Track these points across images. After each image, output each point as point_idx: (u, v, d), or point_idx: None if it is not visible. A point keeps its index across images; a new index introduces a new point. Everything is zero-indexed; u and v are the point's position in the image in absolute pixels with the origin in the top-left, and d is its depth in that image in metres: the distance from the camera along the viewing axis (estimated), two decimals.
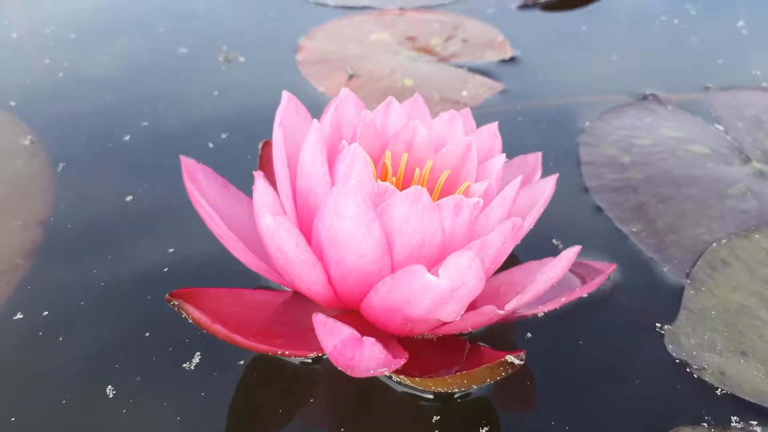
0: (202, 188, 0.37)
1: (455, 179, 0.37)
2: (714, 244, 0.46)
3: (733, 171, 0.53)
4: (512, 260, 0.41)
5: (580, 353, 0.39)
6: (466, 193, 0.35)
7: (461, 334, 0.37)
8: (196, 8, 0.77)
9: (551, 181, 0.37)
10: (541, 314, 0.39)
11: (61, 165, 0.52)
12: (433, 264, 0.31)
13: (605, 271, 0.37)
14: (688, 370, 0.38)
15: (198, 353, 0.38)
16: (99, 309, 0.41)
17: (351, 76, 0.63)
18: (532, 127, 0.59)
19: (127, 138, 0.55)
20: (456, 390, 0.34)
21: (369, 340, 0.29)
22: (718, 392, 0.37)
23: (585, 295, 0.40)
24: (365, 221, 0.29)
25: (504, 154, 0.36)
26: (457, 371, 0.33)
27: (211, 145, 0.55)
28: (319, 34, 0.71)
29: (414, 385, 0.34)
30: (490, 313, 0.31)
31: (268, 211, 0.31)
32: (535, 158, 0.41)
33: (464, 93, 0.62)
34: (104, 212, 0.48)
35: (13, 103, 0.59)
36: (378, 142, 0.38)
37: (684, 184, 0.51)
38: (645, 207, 0.49)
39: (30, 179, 0.50)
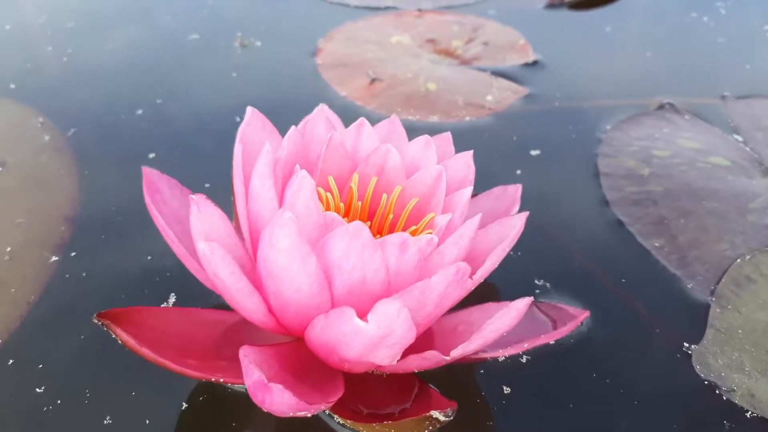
0: (166, 200, 0.36)
1: (425, 207, 0.36)
2: (738, 261, 0.46)
3: (754, 184, 0.53)
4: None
5: (608, 374, 0.39)
6: (430, 225, 0.34)
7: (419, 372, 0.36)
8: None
9: (521, 218, 0.35)
10: (501, 358, 0.38)
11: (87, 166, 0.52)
12: (375, 301, 0.29)
13: (578, 318, 0.36)
14: (717, 391, 0.38)
15: None
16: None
17: (373, 80, 0.63)
18: (555, 133, 0.59)
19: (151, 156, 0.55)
20: None
21: (277, 387, 0.28)
22: (747, 415, 0.37)
23: (551, 342, 0.38)
24: (299, 255, 0.29)
25: (470, 188, 0.35)
26: (402, 411, 0.32)
27: None
28: (337, 36, 0.71)
29: (345, 425, 0.33)
30: (434, 358, 0.30)
31: (201, 237, 0.30)
32: (515, 190, 0.39)
33: (489, 98, 0.62)
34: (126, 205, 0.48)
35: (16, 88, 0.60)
36: (347, 164, 0.37)
37: (705, 197, 0.51)
38: (666, 221, 0.49)
39: (54, 175, 0.51)
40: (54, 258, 0.44)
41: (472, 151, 0.37)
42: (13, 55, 0.67)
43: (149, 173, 0.36)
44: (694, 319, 0.42)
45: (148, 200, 0.34)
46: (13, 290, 0.41)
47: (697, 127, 0.60)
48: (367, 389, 0.34)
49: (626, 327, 0.42)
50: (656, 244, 0.47)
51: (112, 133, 0.56)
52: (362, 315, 0.28)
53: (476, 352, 0.33)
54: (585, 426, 0.36)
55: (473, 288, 0.33)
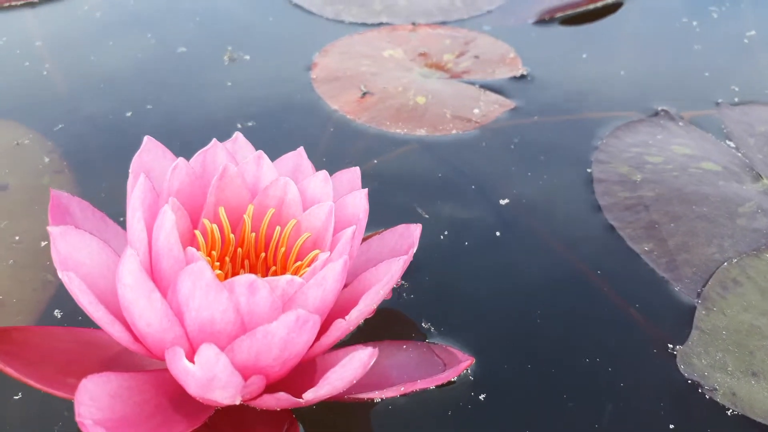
0: (77, 222, 0.36)
1: (319, 243, 0.36)
2: (725, 264, 0.46)
3: (744, 189, 0.53)
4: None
5: (592, 372, 0.40)
6: (314, 261, 0.34)
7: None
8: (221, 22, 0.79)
9: (398, 262, 0.34)
10: (378, 400, 0.37)
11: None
12: (233, 340, 0.30)
13: (460, 365, 0.35)
14: (699, 390, 0.39)
15: None
16: None
17: (364, 94, 0.64)
18: (543, 145, 0.60)
19: None
20: None
21: (88, 423, 0.27)
22: (729, 413, 0.37)
23: (432, 387, 0.38)
24: (143, 291, 0.29)
25: (354, 227, 0.34)
26: None
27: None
28: (332, 50, 0.72)
29: None
30: (287, 400, 0.30)
31: (61, 268, 0.30)
32: (415, 229, 0.38)
33: (476, 111, 0.63)
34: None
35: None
36: (246, 196, 0.37)
37: (695, 202, 0.52)
38: (657, 226, 0.50)
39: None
40: (54, 279, 0.44)
41: (366, 189, 0.37)
42: (8, 76, 0.68)
43: (57, 195, 0.36)
44: (680, 320, 0.43)
45: (51, 223, 0.34)
46: (12, 313, 0.42)
47: (690, 133, 0.60)
48: (241, 421, 0.34)
49: (613, 327, 0.43)
50: (646, 248, 0.48)
51: (109, 153, 0.57)
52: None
53: (348, 392, 0.33)
54: (568, 421, 0.37)
55: (353, 327, 0.33)
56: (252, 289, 0.29)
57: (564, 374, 0.40)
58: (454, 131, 0.60)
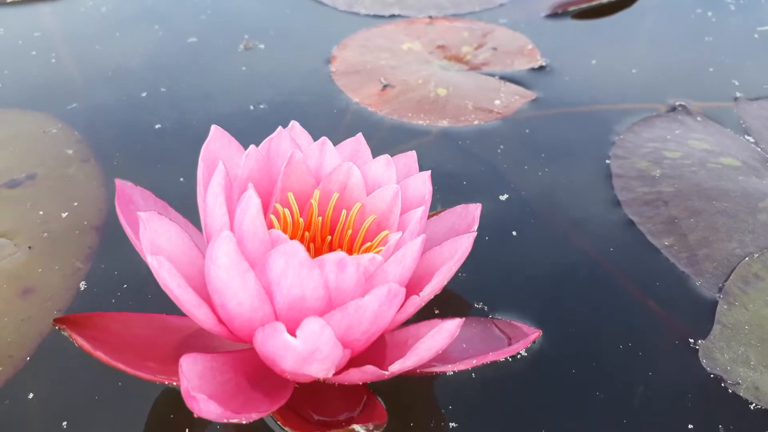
0: (140, 210, 0.37)
1: (384, 224, 0.37)
2: (746, 259, 0.46)
3: (765, 184, 0.53)
4: None
5: (615, 368, 0.40)
6: (384, 242, 0.35)
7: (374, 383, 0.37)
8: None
9: (469, 238, 0.35)
10: (450, 372, 0.39)
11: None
12: (321, 315, 0.30)
13: (529, 337, 0.36)
14: (722, 384, 0.39)
15: None
16: None
17: (385, 87, 0.65)
18: (564, 136, 0.60)
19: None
20: None
21: (201, 397, 0.28)
22: (752, 407, 0.38)
23: (502, 359, 0.40)
24: (239, 271, 0.30)
25: (423, 207, 0.36)
26: (349, 419, 0.33)
27: None
28: (351, 44, 0.72)
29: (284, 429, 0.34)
30: (374, 373, 0.31)
31: (149, 252, 0.31)
32: (475, 208, 0.39)
33: (497, 102, 0.63)
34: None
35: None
36: (311, 181, 0.38)
37: (715, 197, 0.52)
38: (677, 221, 0.50)
39: (82, 186, 0.53)
40: (83, 266, 0.45)
41: (429, 171, 0.38)
42: (31, 68, 0.69)
43: (123, 185, 0.37)
44: (702, 315, 0.43)
45: (119, 213, 0.35)
46: (44, 299, 0.43)
47: (708, 128, 0.60)
48: (318, 398, 0.35)
49: (634, 321, 0.43)
50: (666, 243, 0.48)
51: (134, 144, 0.58)
52: None
53: (423, 366, 0.34)
54: (594, 411, 0.38)
55: (424, 303, 0.34)
56: (341, 266, 0.30)
57: (587, 368, 0.40)
58: (476, 122, 0.61)
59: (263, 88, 0.66)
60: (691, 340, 0.41)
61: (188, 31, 0.75)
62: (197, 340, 0.36)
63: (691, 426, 0.37)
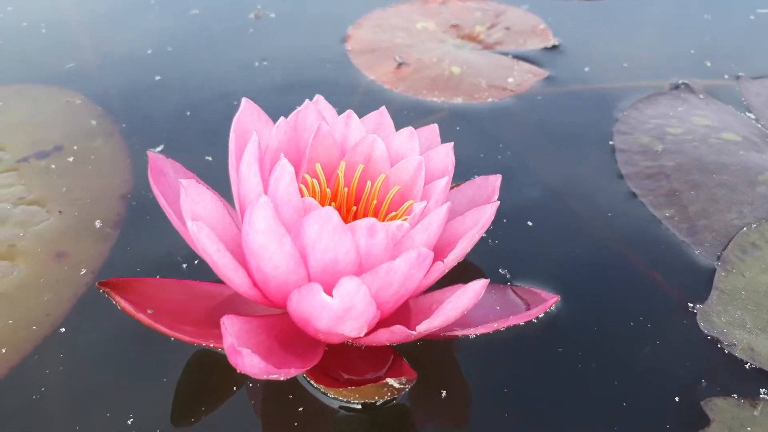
0: (170, 182, 0.38)
1: (407, 194, 0.38)
2: (744, 229, 0.48)
3: (764, 158, 0.55)
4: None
5: (616, 331, 0.42)
6: (409, 211, 0.37)
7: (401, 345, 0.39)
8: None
9: (492, 207, 0.36)
10: (472, 336, 0.40)
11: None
12: None
13: (547, 302, 0.38)
14: (719, 346, 0.41)
15: None
16: None
17: (400, 65, 0.67)
18: (574, 112, 0.62)
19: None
20: (357, 401, 0.36)
21: (246, 351, 0.30)
22: (747, 366, 0.40)
23: (522, 323, 0.41)
24: (276, 236, 0.31)
25: (447, 177, 0.37)
26: (377, 378, 0.35)
27: None
28: (366, 23, 0.75)
29: (317, 387, 0.36)
30: (402, 333, 0.32)
31: (189, 217, 0.32)
32: (495, 180, 0.40)
33: (510, 80, 0.65)
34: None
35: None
36: (336, 153, 0.39)
37: (715, 171, 0.54)
38: (677, 193, 0.52)
39: (107, 157, 0.55)
40: (112, 232, 0.48)
41: (452, 143, 0.39)
42: (56, 46, 0.71)
43: (155, 158, 0.38)
44: (700, 282, 0.45)
45: (152, 183, 0.36)
46: (77, 263, 0.45)
47: (710, 105, 0.62)
48: (347, 359, 0.37)
49: (637, 287, 0.45)
50: (667, 214, 0.50)
51: (157, 117, 0.60)
52: None
53: (446, 329, 0.36)
54: (593, 373, 0.40)
55: (447, 269, 0.35)
56: (371, 232, 0.31)
57: (593, 331, 0.42)
58: (489, 99, 0.63)
59: (283, 66, 0.68)
60: (690, 305, 0.43)
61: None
62: (228, 307, 0.38)
63: (689, 383, 0.39)
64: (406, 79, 0.65)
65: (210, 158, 0.55)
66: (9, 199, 0.50)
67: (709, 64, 0.69)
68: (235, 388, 0.38)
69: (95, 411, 0.37)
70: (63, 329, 0.41)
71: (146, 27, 0.74)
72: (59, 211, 0.49)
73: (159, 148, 0.56)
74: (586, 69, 0.68)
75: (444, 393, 0.38)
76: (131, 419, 0.36)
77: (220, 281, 0.38)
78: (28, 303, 0.42)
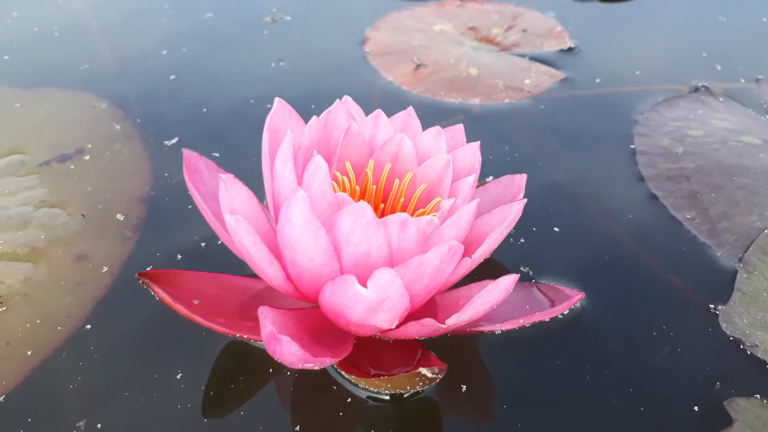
0: (204, 179, 0.40)
1: (435, 192, 0.39)
2: (766, 231, 0.48)
3: None
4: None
5: (638, 330, 0.42)
6: (437, 208, 0.37)
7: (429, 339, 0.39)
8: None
9: (519, 205, 0.37)
10: (498, 332, 0.41)
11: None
12: None
13: (572, 299, 0.39)
14: (741, 347, 0.41)
15: None
16: None
17: (418, 66, 0.67)
18: (592, 115, 0.62)
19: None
20: (388, 391, 0.37)
21: (285, 339, 0.31)
22: None
23: (547, 320, 0.42)
24: (311, 229, 0.32)
25: (474, 175, 0.38)
26: (407, 371, 0.35)
27: None
28: (383, 26, 0.75)
29: (350, 380, 0.37)
30: (431, 326, 0.33)
31: (228, 211, 0.33)
32: (521, 179, 0.41)
33: (527, 81, 0.66)
34: None
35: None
36: (365, 151, 0.40)
37: (736, 173, 0.54)
38: (698, 195, 0.52)
39: (127, 160, 0.56)
40: (132, 235, 0.48)
41: (479, 142, 0.40)
42: (76, 50, 0.71)
43: (189, 155, 0.39)
44: (722, 283, 0.45)
45: (187, 180, 0.38)
46: (97, 264, 0.45)
47: (730, 108, 0.62)
48: (376, 352, 0.38)
49: (658, 288, 0.45)
50: (688, 216, 0.51)
51: (169, 120, 0.61)
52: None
53: (473, 324, 0.36)
54: (616, 375, 0.40)
55: (475, 265, 0.36)
56: (403, 226, 0.32)
57: (616, 330, 0.42)
58: (507, 100, 0.63)
59: (302, 69, 0.68)
60: (712, 306, 0.44)
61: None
62: (259, 300, 0.39)
63: (712, 384, 0.39)
64: (425, 81, 0.65)
65: (217, 154, 0.55)
66: (31, 201, 0.50)
67: (741, 68, 0.69)
68: (261, 381, 0.38)
69: (118, 410, 0.37)
70: (88, 327, 0.41)
71: (162, 30, 0.75)
72: (82, 215, 0.49)
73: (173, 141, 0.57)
74: (603, 71, 0.68)
75: (464, 387, 0.39)
76: (154, 415, 0.37)
77: (249, 276, 0.38)
78: (50, 305, 0.43)
